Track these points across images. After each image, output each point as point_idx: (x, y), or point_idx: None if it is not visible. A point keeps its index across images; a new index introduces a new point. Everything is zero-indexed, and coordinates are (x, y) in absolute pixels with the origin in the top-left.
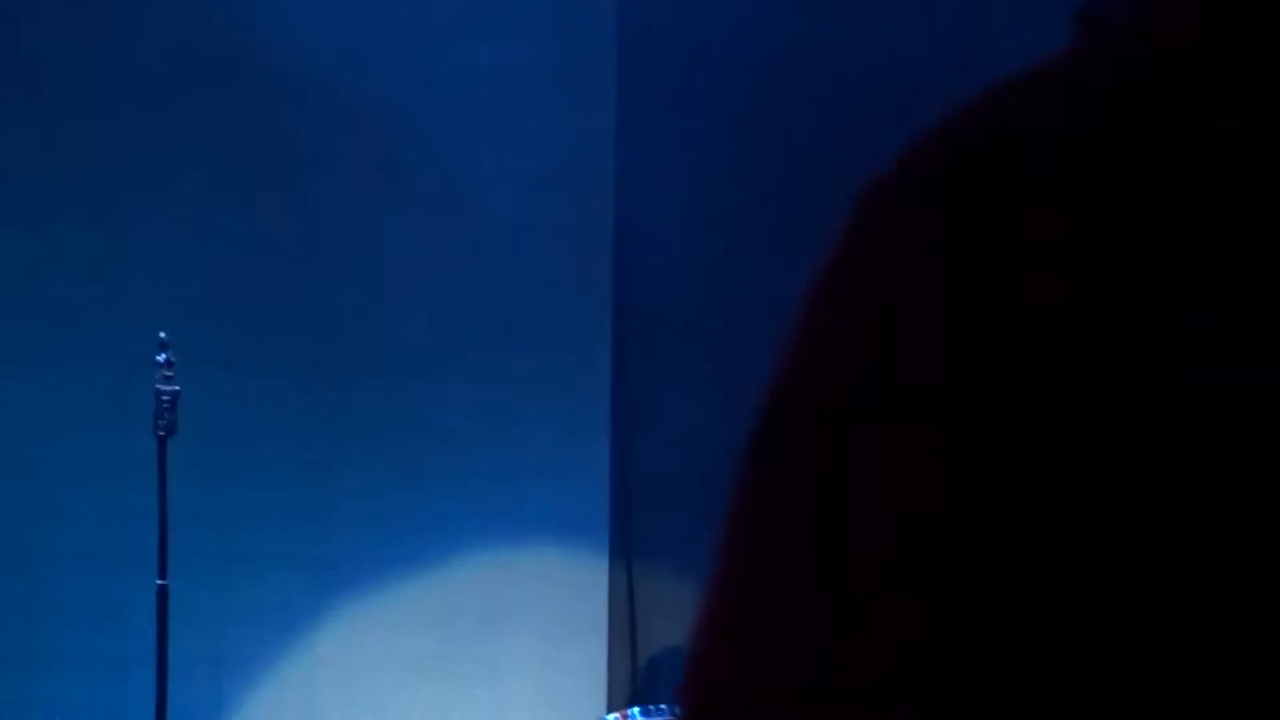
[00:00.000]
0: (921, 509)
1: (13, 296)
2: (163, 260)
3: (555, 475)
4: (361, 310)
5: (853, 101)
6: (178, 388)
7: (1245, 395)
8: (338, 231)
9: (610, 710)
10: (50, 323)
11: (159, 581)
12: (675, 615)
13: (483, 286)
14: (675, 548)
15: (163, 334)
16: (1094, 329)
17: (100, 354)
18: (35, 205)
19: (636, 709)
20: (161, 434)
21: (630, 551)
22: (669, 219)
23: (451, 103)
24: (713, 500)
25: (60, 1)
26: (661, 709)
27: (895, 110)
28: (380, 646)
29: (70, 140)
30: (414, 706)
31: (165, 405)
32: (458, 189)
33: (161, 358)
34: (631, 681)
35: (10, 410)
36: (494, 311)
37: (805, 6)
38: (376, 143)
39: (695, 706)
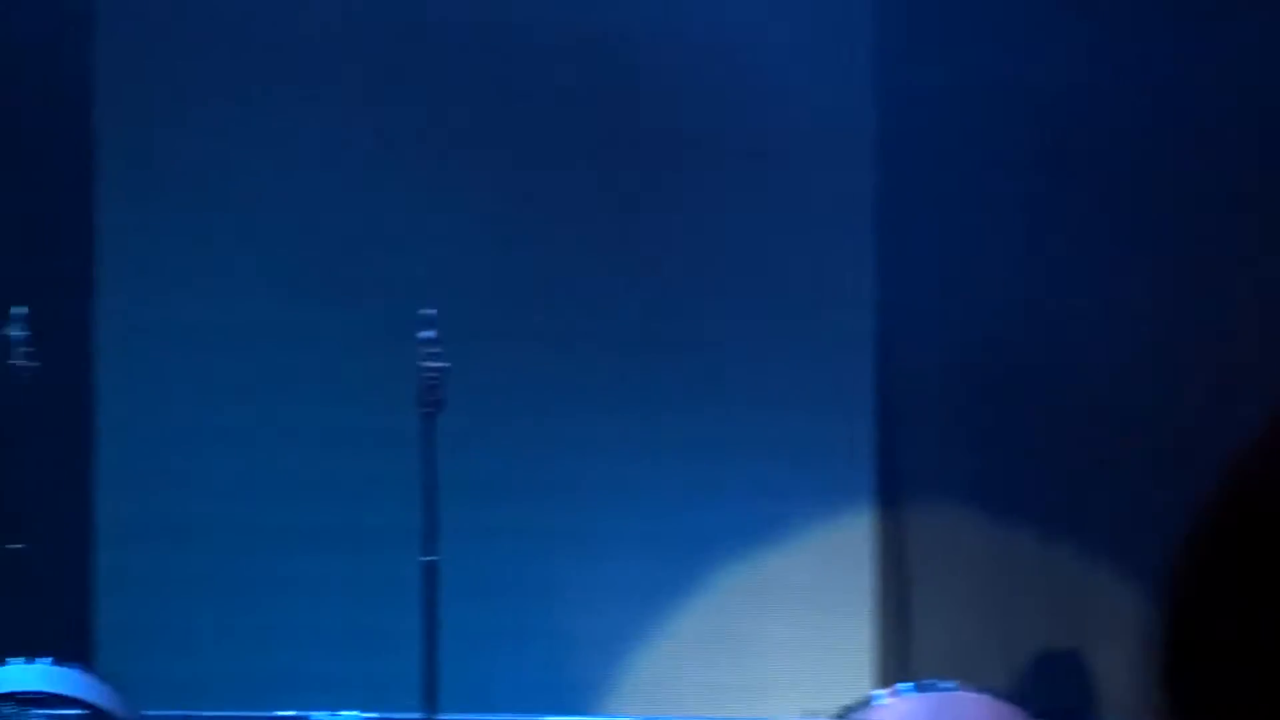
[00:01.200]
0: None
1: (279, 271)
2: (426, 236)
3: (819, 448)
4: (622, 286)
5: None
6: (445, 364)
7: None
8: (599, 208)
9: (878, 687)
10: (315, 298)
11: (428, 558)
12: (944, 589)
13: (741, 260)
14: (942, 520)
15: (428, 310)
16: None
17: (364, 329)
18: (304, 182)
19: (906, 684)
20: (428, 410)
21: (898, 524)
22: (936, 195)
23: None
24: (981, 474)
25: None
26: (932, 684)
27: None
28: (643, 622)
29: (341, 118)
30: (676, 682)
31: (431, 382)
32: (721, 160)
33: (427, 334)
34: (900, 657)
35: (276, 386)
36: (754, 285)
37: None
38: (640, 121)
39: None
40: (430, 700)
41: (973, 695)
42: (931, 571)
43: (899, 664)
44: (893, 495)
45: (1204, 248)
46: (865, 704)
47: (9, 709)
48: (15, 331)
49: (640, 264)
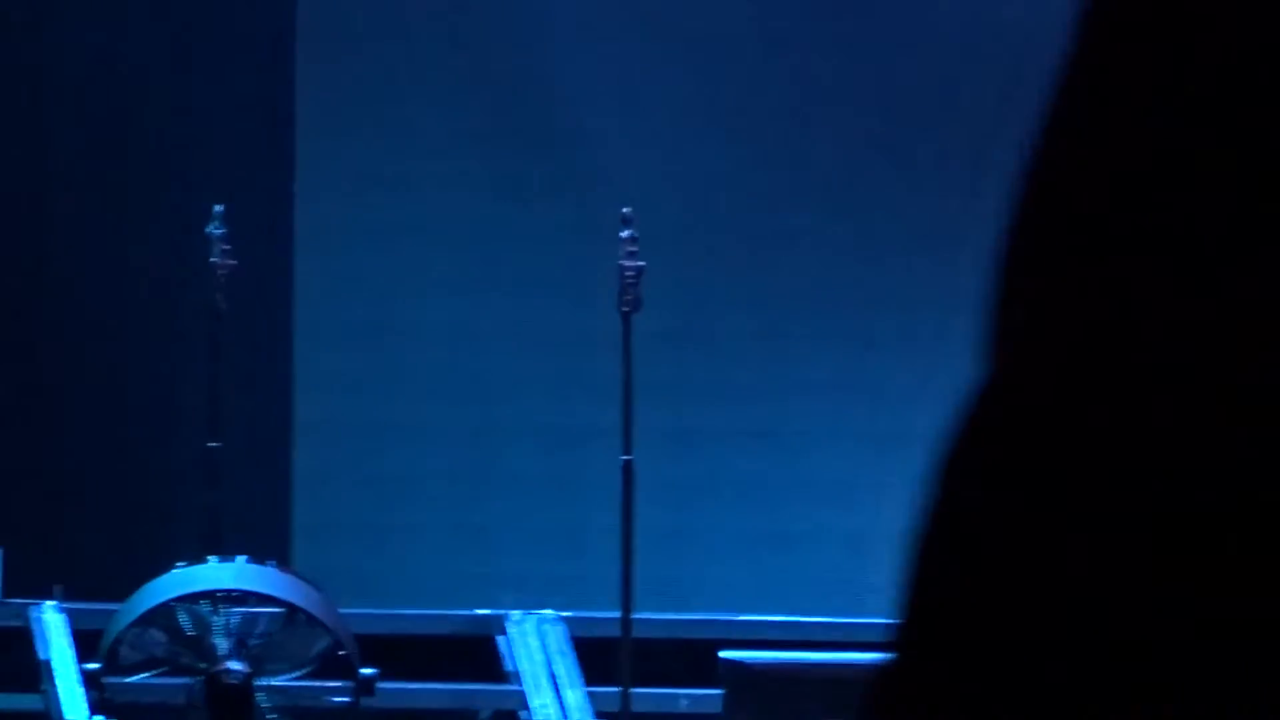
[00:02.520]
0: None
1: (472, 171)
2: (625, 135)
3: None
4: (817, 185)
5: None
6: (642, 263)
7: None
8: (799, 108)
9: None
10: (511, 197)
11: (624, 456)
12: None
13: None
14: None
15: (626, 209)
16: None
17: (563, 228)
18: (503, 77)
19: None
20: (626, 309)
21: None
22: None
23: None
24: None
25: None
26: None
27: None
28: (840, 520)
29: (544, 11)
30: (875, 581)
31: (629, 281)
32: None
33: (625, 233)
34: None
35: (470, 284)
36: (959, 193)
37: None
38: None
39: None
40: (626, 599)
41: None
42: None
43: None
44: None
45: None
46: None
47: (206, 607)
48: (214, 229)
49: (853, 167)
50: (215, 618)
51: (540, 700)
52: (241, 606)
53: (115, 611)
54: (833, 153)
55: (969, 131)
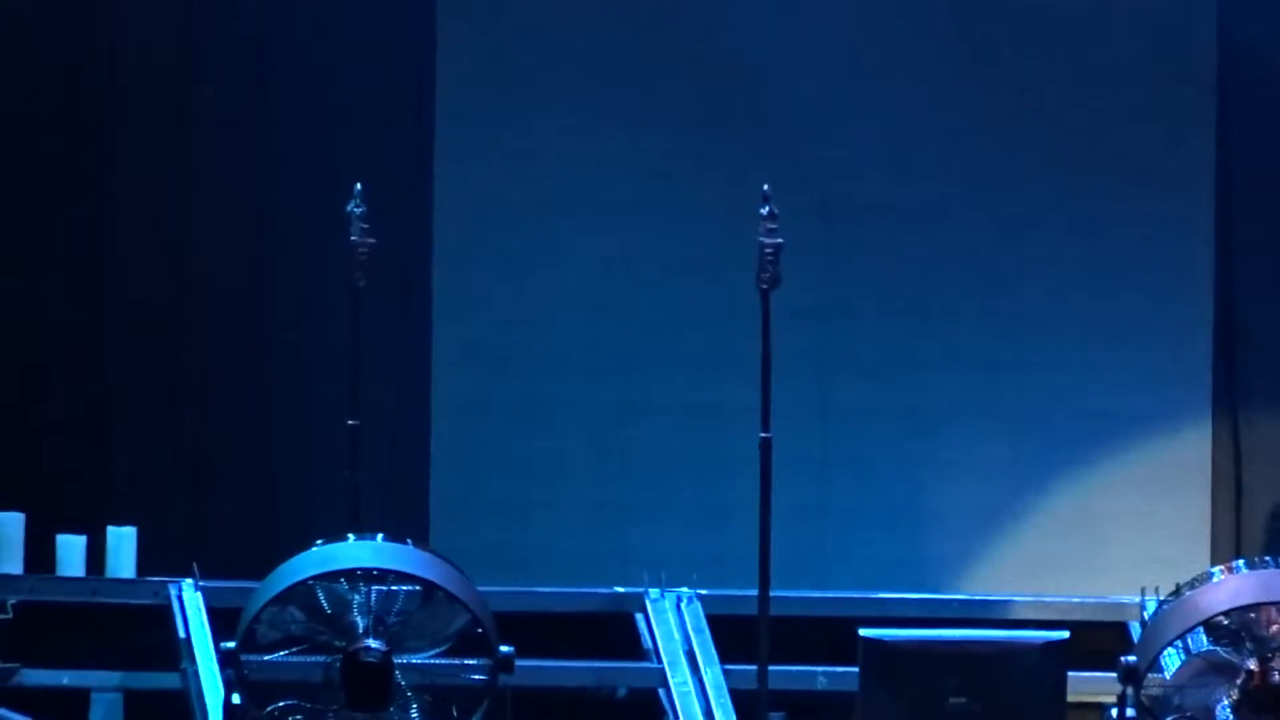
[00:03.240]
0: None
1: (613, 148)
2: (766, 113)
3: (1157, 324)
4: (959, 161)
5: None
6: (780, 240)
7: None
8: (943, 84)
9: (1214, 563)
10: (652, 174)
11: (762, 434)
12: (1274, 470)
13: (1095, 138)
14: (1275, 407)
15: (766, 186)
16: None
17: (703, 205)
18: (629, 55)
19: (1242, 561)
20: (764, 286)
21: (1235, 404)
22: None
23: None
24: None
25: None
26: (1268, 561)
27: None
28: (977, 497)
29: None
30: (1013, 558)
31: (768, 258)
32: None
33: (764, 210)
34: (1235, 534)
35: (610, 261)
36: (1100, 168)
37: None
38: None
39: None
40: (764, 576)
41: None
42: (1273, 447)
43: (1235, 540)
44: (1232, 367)
45: None
46: (1202, 579)
47: (345, 585)
48: (354, 207)
49: (995, 144)
50: (354, 596)
51: (678, 678)
52: (380, 584)
53: (253, 590)
54: (975, 129)
55: (1117, 111)
